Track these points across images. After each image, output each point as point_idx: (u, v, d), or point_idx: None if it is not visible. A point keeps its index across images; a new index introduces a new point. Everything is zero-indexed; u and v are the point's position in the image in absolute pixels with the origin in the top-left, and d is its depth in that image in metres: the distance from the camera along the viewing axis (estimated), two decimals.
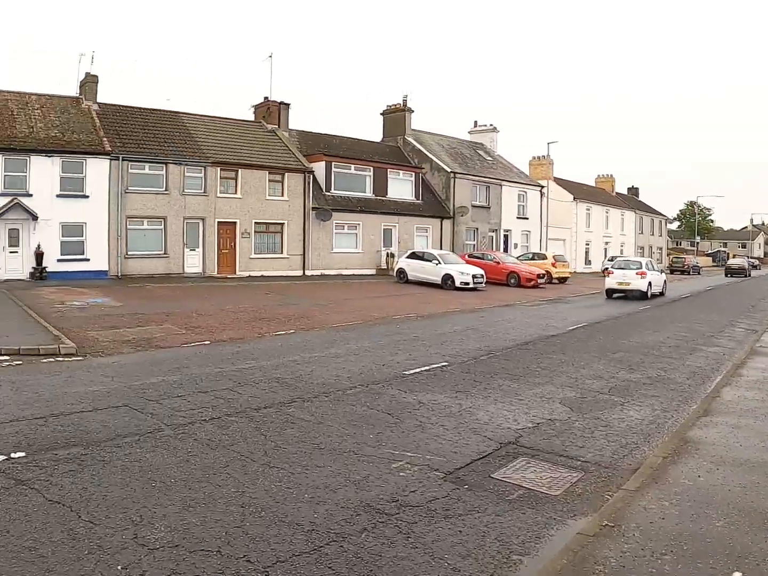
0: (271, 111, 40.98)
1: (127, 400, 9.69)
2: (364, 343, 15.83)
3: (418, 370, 12.48)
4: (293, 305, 23.02)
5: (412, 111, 49.09)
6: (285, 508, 5.93)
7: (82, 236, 29.62)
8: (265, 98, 41.76)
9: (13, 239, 28.18)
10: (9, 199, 27.45)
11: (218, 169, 33.62)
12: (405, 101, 48.75)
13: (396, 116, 49.10)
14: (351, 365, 12.81)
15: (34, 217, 27.95)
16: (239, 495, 6.22)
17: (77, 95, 33.78)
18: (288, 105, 41.89)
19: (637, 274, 31.46)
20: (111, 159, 30.13)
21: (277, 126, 40.58)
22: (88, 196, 29.50)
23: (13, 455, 7.06)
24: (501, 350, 15.13)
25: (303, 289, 29.37)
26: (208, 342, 15.33)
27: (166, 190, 31.76)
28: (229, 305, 21.99)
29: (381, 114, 50.27)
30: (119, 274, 30.20)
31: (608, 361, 14.29)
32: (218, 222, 33.61)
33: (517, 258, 42.33)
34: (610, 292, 32.20)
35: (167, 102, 50.81)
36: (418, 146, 47.74)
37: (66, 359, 12.83)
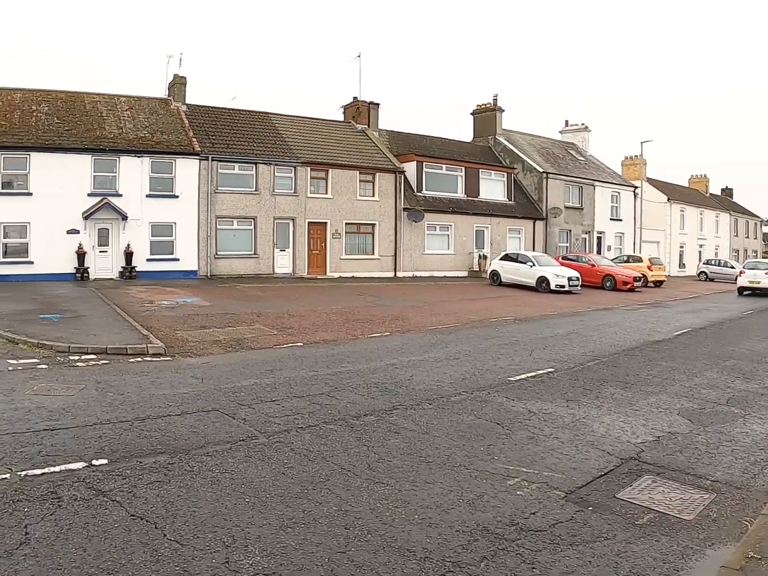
0: (361, 111, 40.35)
1: (218, 404, 8.98)
2: (463, 346, 14.86)
3: (523, 376, 11.66)
4: (387, 306, 22.09)
5: (503, 110, 47.77)
6: (393, 531, 5.32)
7: (172, 236, 29.48)
8: (354, 98, 41.15)
9: (103, 239, 28.15)
10: (99, 199, 27.44)
11: (308, 169, 33.09)
12: (495, 100, 47.52)
13: (486, 116, 47.88)
14: (452, 370, 12.03)
15: (124, 217, 27.88)
16: (342, 514, 5.60)
17: (166, 96, 33.91)
18: (377, 105, 41.18)
19: (766, 274, 34.61)
20: (200, 159, 29.91)
21: (366, 126, 39.92)
22: (177, 196, 29.33)
23: (94, 462, 6.53)
24: (607, 356, 14.16)
25: (395, 291, 28.41)
26: (301, 344, 14.53)
27: (256, 190, 31.36)
28: (321, 306, 21.23)
29: (471, 113, 49.11)
30: (209, 274, 29.95)
31: (720, 369, 13.08)
32: (308, 222, 33.07)
33: (612, 260, 40.60)
34: (741, 290, 35.61)
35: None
36: (510, 146, 46.37)
37: (154, 359, 12.22)
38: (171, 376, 10.71)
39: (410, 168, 37.52)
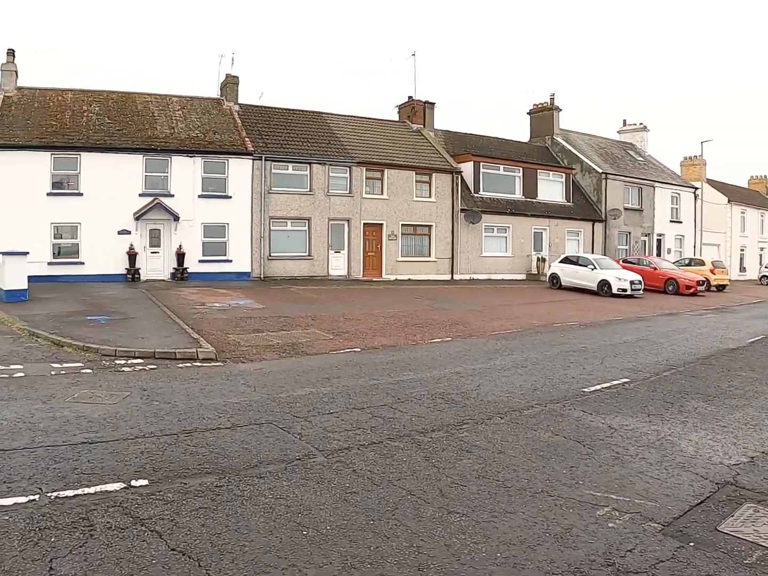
0: (416, 110, 39.54)
1: (272, 415, 8.23)
2: (529, 353, 13.94)
3: (598, 387, 10.78)
4: (446, 310, 21.13)
5: (560, 110, 46.47)
6: (474, 574, 4.57)
7: (224, 237, 28.95)
8: (409, 98, 40.34)
9: (155, 239, 27.77)
10: (150, 199, 27.11)
11: (363, 169, 32.35)
12: (552, 99, 46.20)
13: (543, 115, 46.61)
14: (521, 379, 11.20)
15: (176, 218, 27.45)
16: (413, 552, 4.85)
17: (218, 96, 33.49)
18: (433, 104, 40.34)
19: None
20: (254, 159, 29.37)
21: (422, 126, 39.09)
22: (230, 197, 28.83)
23: (133, 483, 5.88)
24: (682, 365, 13.14)
25: (453, 294, 27.42)
26: (359, 349, 13.74)
27: (310, 190, 30.72)
28: (378, 309, 20.39)
29: (528, 113, 47.89)
30: (261, 276, 29.39)
31: None
32: (364, 223, 32.33)
33: (673, 263, 39.14)
34: None
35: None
36: (567, 146, 45.03)
37: (204, 364, 11.55)
38: (221, 384, 9.99)
39: (467, 168, 36.57)
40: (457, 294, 27.45)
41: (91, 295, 20.74)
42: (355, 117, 36.97)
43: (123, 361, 11.36)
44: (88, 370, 10.57)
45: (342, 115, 36.41)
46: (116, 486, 5.78)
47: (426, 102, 40.02)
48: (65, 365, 10.80)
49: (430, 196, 34.84)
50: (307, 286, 27.35)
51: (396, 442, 7.33)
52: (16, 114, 27.34)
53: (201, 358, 11.86)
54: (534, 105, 47.38)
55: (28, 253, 19.41)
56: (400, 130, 38.17)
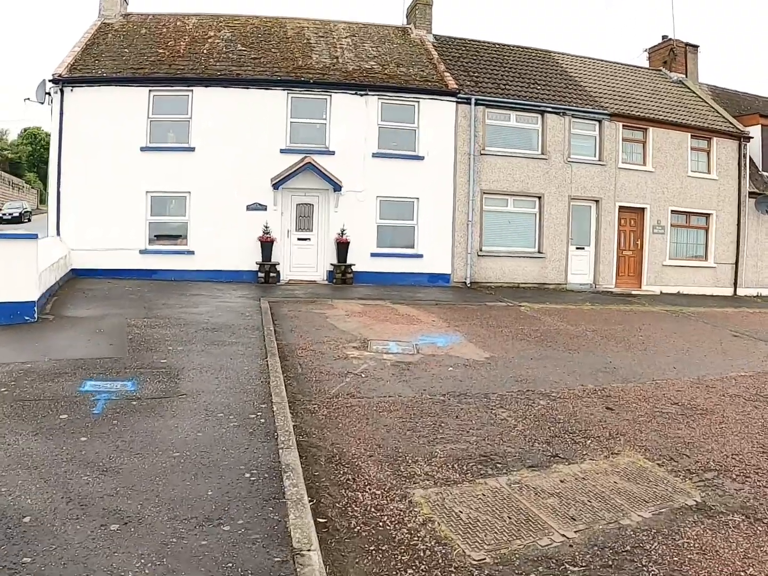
0: (676, 54, 27.88)
1: None
2: None
3: None
4: None
5: None
6: None
7: (412, 219, 18.79)
8: (664, 38, 28.76)
9: (304, 220, 18.18)
10: (298, 158, 17.61)
11: (620, 125, 21.25)
12: None
13: None
14: None
15: (337, 187, 17.73)
16: None
17: (403, 25, 23.57)
18: (696, 48, 28.59)
19: None
20: (458, 102, 19.12)
21: (683, 75, 27.41)
22: (421, 158, 18.68)
23: None
24: None
25: None
26: None
27: (542, 153, 20.02)
28: (704, 369, 9.81)
29: None
30: (467, 281, 19.06)
31: None
32: (619, 207, 21.12)
33: None
34: None
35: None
36: None
37: None
38: None
39: (753, 135, 24.53)
40: None
41: (165, 310, 11.64)
42: (594, 59, 25.97)
43: None
44: None
45: (577, 56, 25.54)
46: None
47: (687, 44, 28.32)
48: None
49: (708, 172, 23.15)
50: (540, 300, 16.88)
51: None
52: (111, 42, 18.96)
53: None
54: None
55: (35, 236, 10.67)
56: (656, 80, 26.68)
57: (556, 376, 8.64)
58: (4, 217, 40.10)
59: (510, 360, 9.45)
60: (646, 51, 29.64)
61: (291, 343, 9.48)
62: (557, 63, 23.93)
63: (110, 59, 17.81)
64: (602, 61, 26.20)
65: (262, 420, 5.85)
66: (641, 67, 28.18)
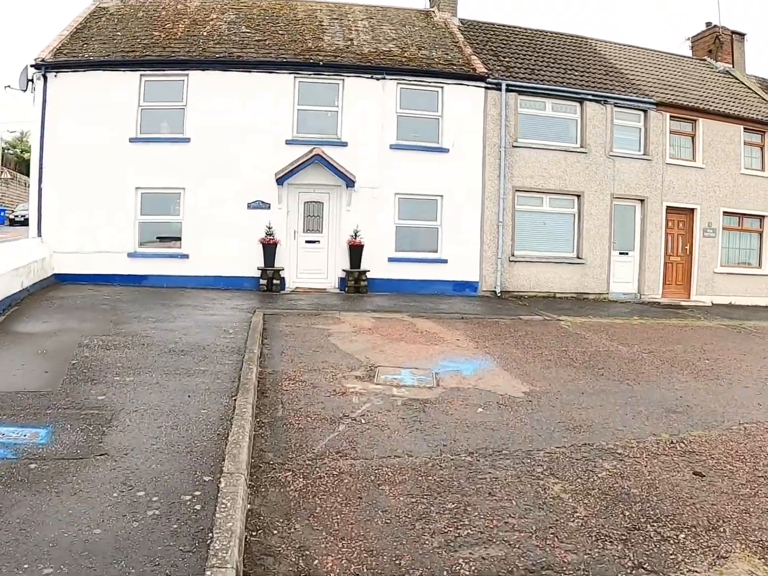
0: (722, 42, 25.66)
1: None
2: None
3: None
4: None
5: None
6: None
7: (436, 219, 16.75)
8: (708, 25, 26.54)
9: (312, 220, 16.26)
10: (306, 150, 15.75)
11: (667, 115, 19.07)
12: None
13: None
14: None
15: (349, 183, 15.78)
16: None
17: (426, 8, 21.59)
18: (743, 36, 26.33)
19: None
20: (487, 87, 17.11)
21: (729, 65, 25.19)
22: (446, 150, 16.67)
23: None
24: None
25: None
26: None
27: (581, 146, 17.89)
28: None
29: None
30: (497, 290, 16.96)
31: None
32: (666, 207, 18.92)
33: None
34: None
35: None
36: None
37: None
38: None
39: None
40: None
41: (134, 325, 9.73)
42: (634, 47, 23.86)
43: None
44: None
45: (615, 43, 23.43)
46: None
47: (734, 32, 26.09)
48: None
49: (762, 169, 20.92)
50: (580, 312, 14.80)
51: None
52: (103, 26, 17.30)
53: None
54: None
55: None
56: (701, 69, 24.49)
57: (618, 421, 6.62)
58: (16, 218, 38.81)
59: (556, 395, 7.43)
60: (688, 40, 27.41)
61: (277, 371, 7.54)
62: (595, 49, 21.86)
63: (100, 42, 16.12)
64: (643, 48, 24.07)
65: (198, 506, 3.92)
66: (684, 56, 26.00)
